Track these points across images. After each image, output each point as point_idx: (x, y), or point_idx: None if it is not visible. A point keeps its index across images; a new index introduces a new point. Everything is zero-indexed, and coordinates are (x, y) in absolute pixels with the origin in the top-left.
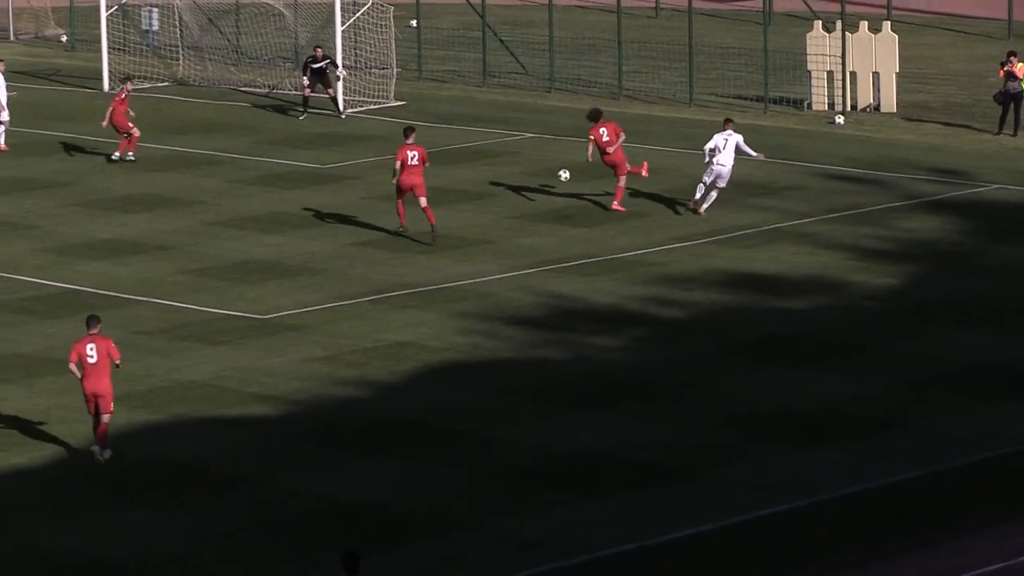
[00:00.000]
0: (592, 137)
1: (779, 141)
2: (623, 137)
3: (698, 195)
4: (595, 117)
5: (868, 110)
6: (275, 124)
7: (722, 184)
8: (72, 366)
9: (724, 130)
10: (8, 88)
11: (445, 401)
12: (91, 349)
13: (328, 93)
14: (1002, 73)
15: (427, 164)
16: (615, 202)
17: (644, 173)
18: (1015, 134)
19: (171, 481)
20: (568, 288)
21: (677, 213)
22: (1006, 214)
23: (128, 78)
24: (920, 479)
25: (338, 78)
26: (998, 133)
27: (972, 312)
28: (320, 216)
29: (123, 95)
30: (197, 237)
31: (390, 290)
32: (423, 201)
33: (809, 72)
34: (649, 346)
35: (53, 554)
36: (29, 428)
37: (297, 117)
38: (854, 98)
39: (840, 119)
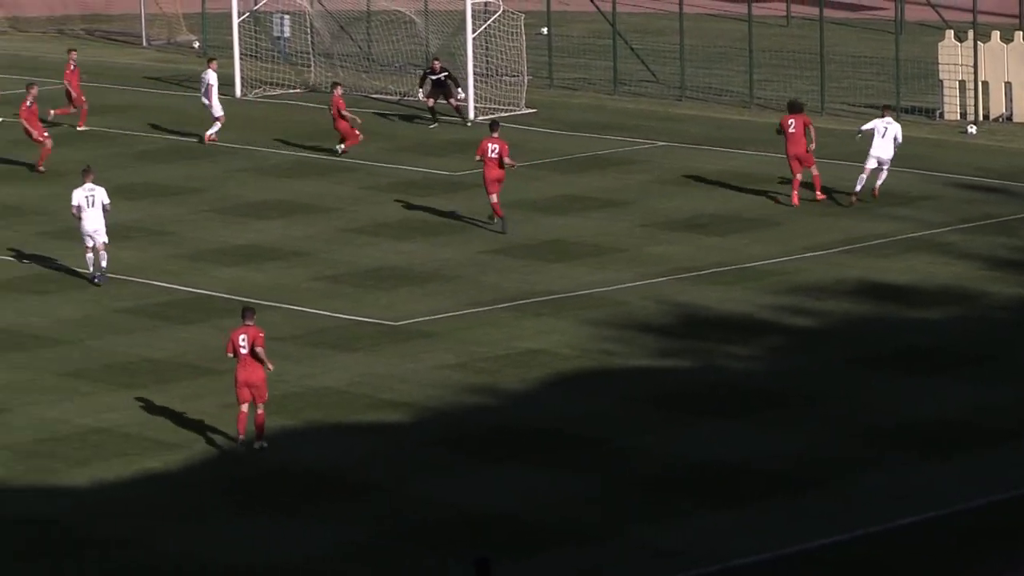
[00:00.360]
0: (780, 126)
1: (911, 151)
2: (812, 131)
3: (858, 187)
4: (793, 108)
5: (1000, 120)
6: (406, 131)
7: (885, 168)
8: (229, 354)
9: (883, 116)
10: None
11: (577, 409)
12: (243, 339)
13: (450, 103)
14: None
15: (507, 160)
16: (817, 192)
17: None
18: None
19: (304, 488)
20: (700, 297)
21: (840, 204)
22: None
23: (32, 84)
24: None
25: (460, 99)
26: None
27: None
28: (452, 223)
29: (28, 102)
30: (330, 243)
31: (522, 297)
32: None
33: (941, 81)
34: (782, 356)
35: (184, 560)
36: (162, 433)
37: (427, 126)
38: (986, 108)
39: (972, 129)
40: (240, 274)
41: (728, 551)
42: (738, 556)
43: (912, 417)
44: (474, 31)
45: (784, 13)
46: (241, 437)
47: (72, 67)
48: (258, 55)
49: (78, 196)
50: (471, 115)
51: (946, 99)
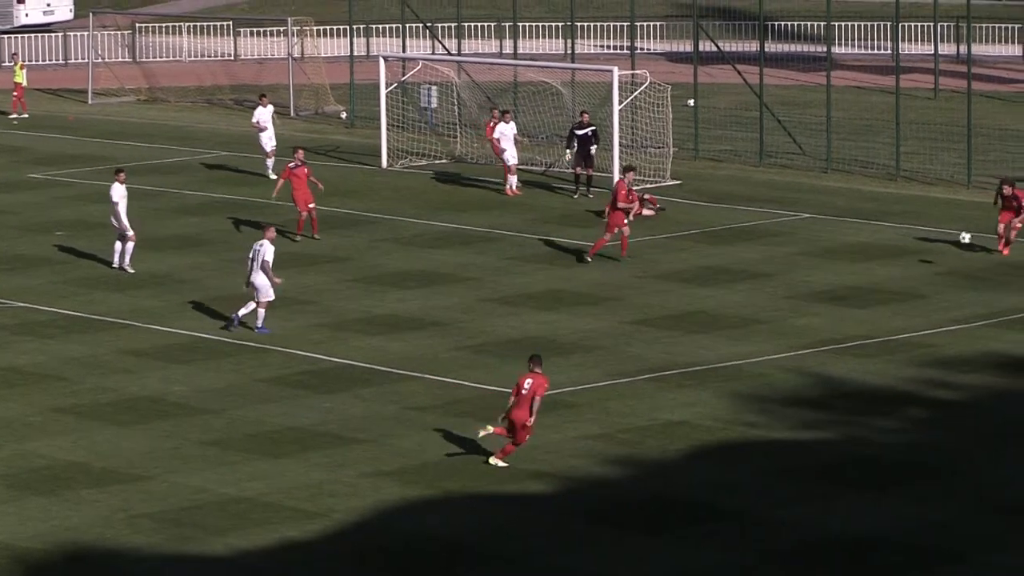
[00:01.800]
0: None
1: None
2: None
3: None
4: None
5: None
6: (551, 202)
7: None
8: (511, 398)
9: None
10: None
11: (719, 481)
12: (527, 383)
13: (588, 171)
14: None
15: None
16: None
17: None
18: None
19: (444, 559)
20: (842, 369)
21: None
22: None
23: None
24: None
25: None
26: None
27: None
28: (596, 294)
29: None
30: (472, 313)
31: (665, 368)
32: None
33: None
34: (924, 429)
35: None
36: (303, 502)
37: (571, 195)
38: None
39: None
40: (382, 343)
41: None
42: None
43: None
44: (621, 102)
45: (932, 85)
46: (481, 432)
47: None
48: (405, 125)
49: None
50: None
51: None
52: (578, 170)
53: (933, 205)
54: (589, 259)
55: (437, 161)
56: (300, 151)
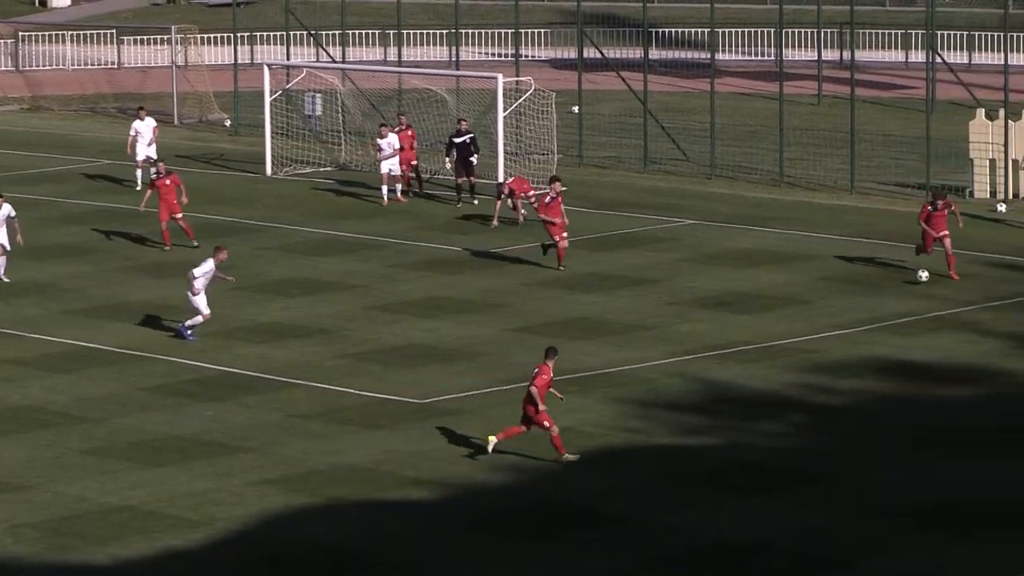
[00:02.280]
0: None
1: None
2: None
3: None
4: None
5: None
6: (435, 209)
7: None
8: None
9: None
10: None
11: (603, 487)
12: (535, 372)
13: (469, 179)
14: None
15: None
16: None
17: None
18: None
19: (326, 566)
20: (726, 375)
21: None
22: None
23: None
24: None
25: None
26: None
27: None
28: (479, 301)
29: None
30: (356, 321)
31: None
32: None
33: (972, 160)
34: (807, 434)
35: None
36: (186, 511)
37: (454, 204)
38: (1016, 186)
39: (1002, 207)
40: (266, 351)
41: None
42: None
43: (936, 498)
44: (505, 109)
45: (815, 92)
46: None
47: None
48: (289, 133)
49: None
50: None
51: (976, 177)
52: (459, 180)
53: (817, 211)
54: (561, 268)
55: (321, 169)
56: (161, 163)
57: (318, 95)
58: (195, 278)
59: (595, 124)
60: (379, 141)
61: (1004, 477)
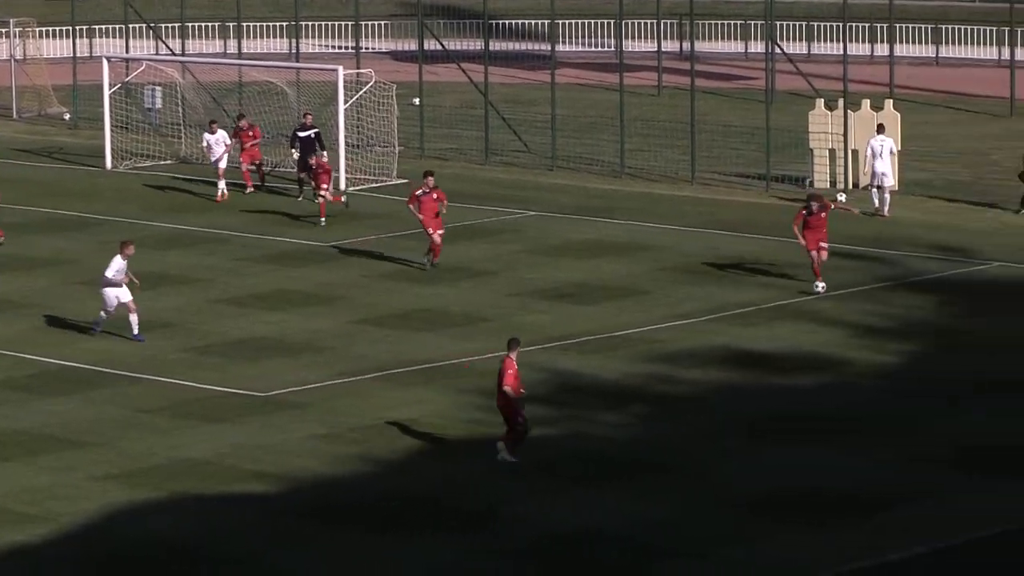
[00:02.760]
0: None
1: (781, 219)
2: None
3: (876, 203)
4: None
5: (870, 188)
6: (279, 202)
7: (888, 183)
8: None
9: (878, 135)
10: None
11: (447, 478)
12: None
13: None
14: None
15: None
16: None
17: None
18: None
19: (168, 561)
20: (569, 365)
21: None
22: (1007, 291)
23: None
24: (922, 557)
25: (323, 160)
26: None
27: (970, 389)
28: (322, 294)
29: None
30: (200, 315)
31: (392, 367)
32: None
33: (811, 150)
34: (649, 423)
35: None
36: (28, 506)
37: (296, 198)
38: (855, 176)
39: (842, 197)
40: (109, 345)
41: None
42: None
43: (780, 485)
44: (346, 102)
45: (655, 83)
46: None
47: None
48: (129, 126)
49: None
50: (342, 185)
51: (816, 167)
52: (301, 174)
53: (657, 201)
54: (431, 264)
55: (162, 162)
56: None
57: (158, 88)
58: (107, 278)
59: (436, 116)
60: (207, 137)
61: (840, 465)
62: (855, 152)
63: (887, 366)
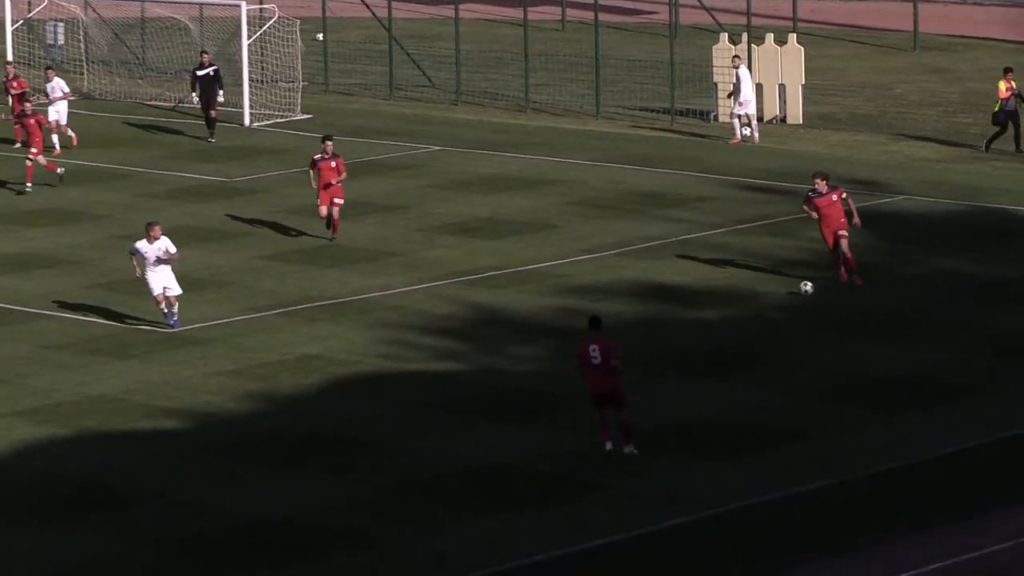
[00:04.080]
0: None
1: (686, 153)
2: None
3: (748, 132)
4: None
5: (774, 122)
6: (182, 138)
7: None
8: (583, 373)
9: (737, 65)
10: None
11: (354, 414)
12: (594, 350)
13: (211, 112)
14: (1006, 91)
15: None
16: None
17: None
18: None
19: (78, 497)
20: (477, 300)
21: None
22: (912, 224)
23: None
24: (824, 490)
25: (219, 102)
26: (987, 150)
27: (877, 323)
28: (227, 229)
29: None
30: (104, 251)
31: (298, 303)
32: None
33: (716, 84)
34: (557, 357)
35: None
36: None
37: (207, 139)
38: (760, 110)
39: (747, 131)
40: (13, 283)
41: (506, 554)
42: (515, 559)
43: (684, 418)
44: (249, 37)
45: (559, 17)
46: (608, 444)
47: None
48: (32, 63)
49: None
50: (247, 121)
51: (720, 102)
52: (213, 113)
53: (562, 136)
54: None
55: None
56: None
57: (60, 24)
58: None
59: (340, 51)
60: (46, 86)
61: (742, 399)
62: (759, 86)
63: (795, 299)
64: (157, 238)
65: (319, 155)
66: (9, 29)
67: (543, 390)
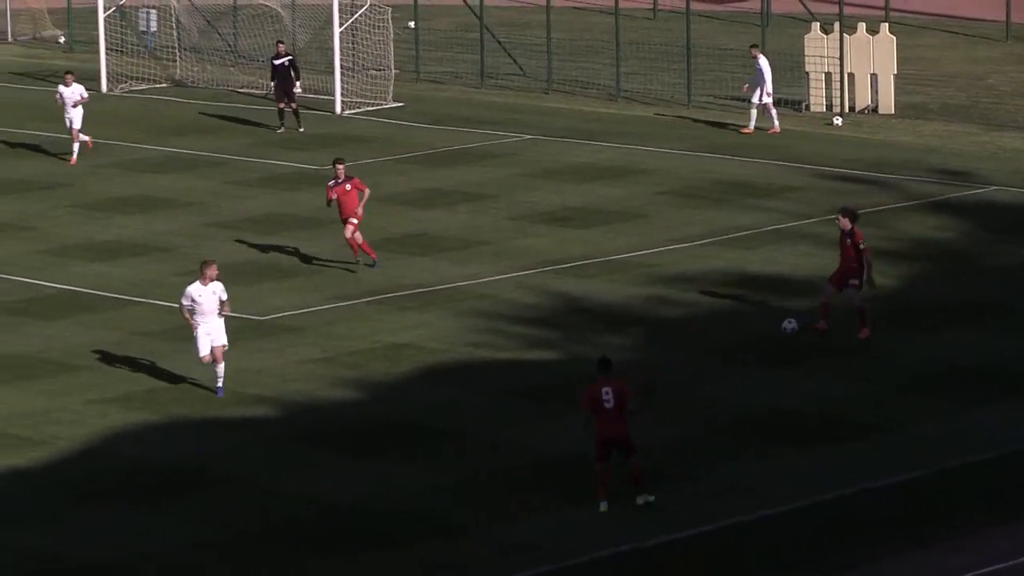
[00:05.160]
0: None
1: (777, 142)
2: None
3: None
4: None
5: (866, 111)
6: (273, 125)
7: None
8: (585, 411)
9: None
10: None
11: (443, 403)
12: (607, 393)
13: (292, 106)
14: None
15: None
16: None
17: None
18: None
19: (167, 483)
20: (566, 289)
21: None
22: (1004, 215)
23: None
24: (912, 481)
25: (297, 92)
26: None
27: (968, 313)
28: (318, 217)
29: None
30: (195, 238)
31: (388, 291)
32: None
33: (807, 73)
34: (649, 347)
35: (48, 557)
36: (25, 430)
37: (275, 130)
38: (852, 99)
39: (838, 120)
40: (104, 269)
41: (589, 545)
42: (599, 550)
43: (773, 409)
44: (341, 25)
45: (651, 6)
46: (603, 504)
47: None
48: (124, 50)
49: None
50: (338, 109)
51: (812, 91)
52: (280, 105)
53: (653, 125)
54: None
55: (157, 85)
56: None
57: (152, 11)
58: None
59: (432, 39)
60: (61, 89)
61: (832, 389)
62: (851, 76)
63: (885, 289)
64: (212, 279)
65: (332, 181)
66: (101, 16)
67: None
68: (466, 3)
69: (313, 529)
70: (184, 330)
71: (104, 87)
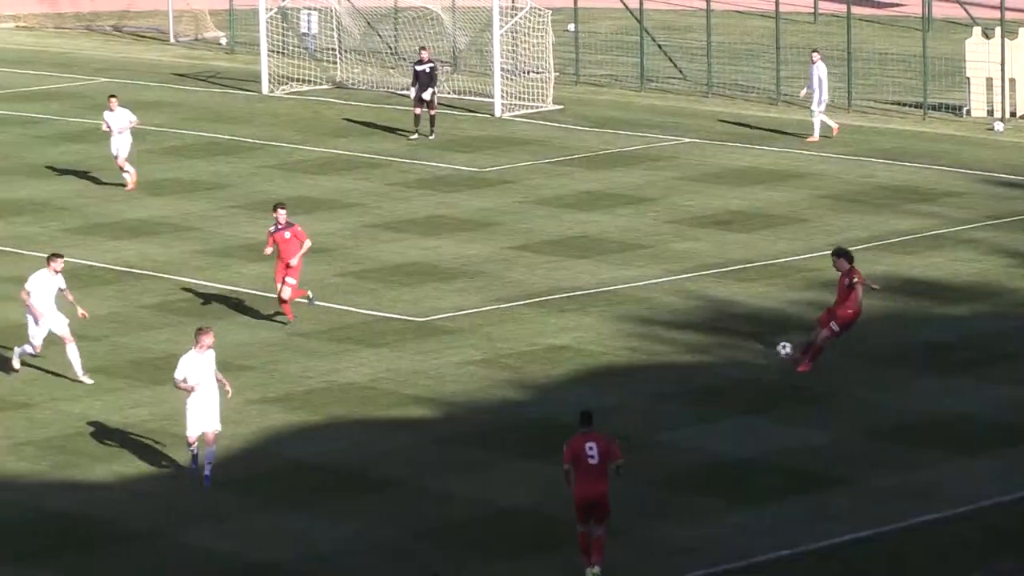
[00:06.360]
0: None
1: (938, 147)
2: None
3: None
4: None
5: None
6: (438, 130)
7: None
8: (566, 465)
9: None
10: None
11: (602, 405)
12: (591, 448)
13: (430, 111)
14: None
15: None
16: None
17: None
18: None
19: (327, 484)
20: (725, 293)
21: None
22: None
23: None
24: None
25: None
26: None
27: None
28: (477, 219)
29: None
30: (355, 239)
31: (547, 294)
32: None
33: (968, 78)
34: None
35: (208, 555)
36: (176, 430)
37: (407, 137)
38: (1013, 104)
39: (999, 125)
40: (266, 270)
41: (751, 548)
42: (760, 553)
43: (937, 415)
44: (501, 27)
45: (811, 9)
46: (594, 569)
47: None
48: (285, 51)
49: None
50: (497, 111)
51: (973, 96)
52: (417, 110)
53: (814, 129)
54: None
55: (318, 87)
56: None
57: (314, 13)
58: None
59: (591, 42)
60: (106, 115)
61: (989, 395)
62: (1012, 81)
63: None
64: (208, 347)
65: (272, 227)
66: (263, 17)
67: (791, 382)
68: (626, 6)
69: (474, 532)
70: (342, 330)
71: (265, 88)
